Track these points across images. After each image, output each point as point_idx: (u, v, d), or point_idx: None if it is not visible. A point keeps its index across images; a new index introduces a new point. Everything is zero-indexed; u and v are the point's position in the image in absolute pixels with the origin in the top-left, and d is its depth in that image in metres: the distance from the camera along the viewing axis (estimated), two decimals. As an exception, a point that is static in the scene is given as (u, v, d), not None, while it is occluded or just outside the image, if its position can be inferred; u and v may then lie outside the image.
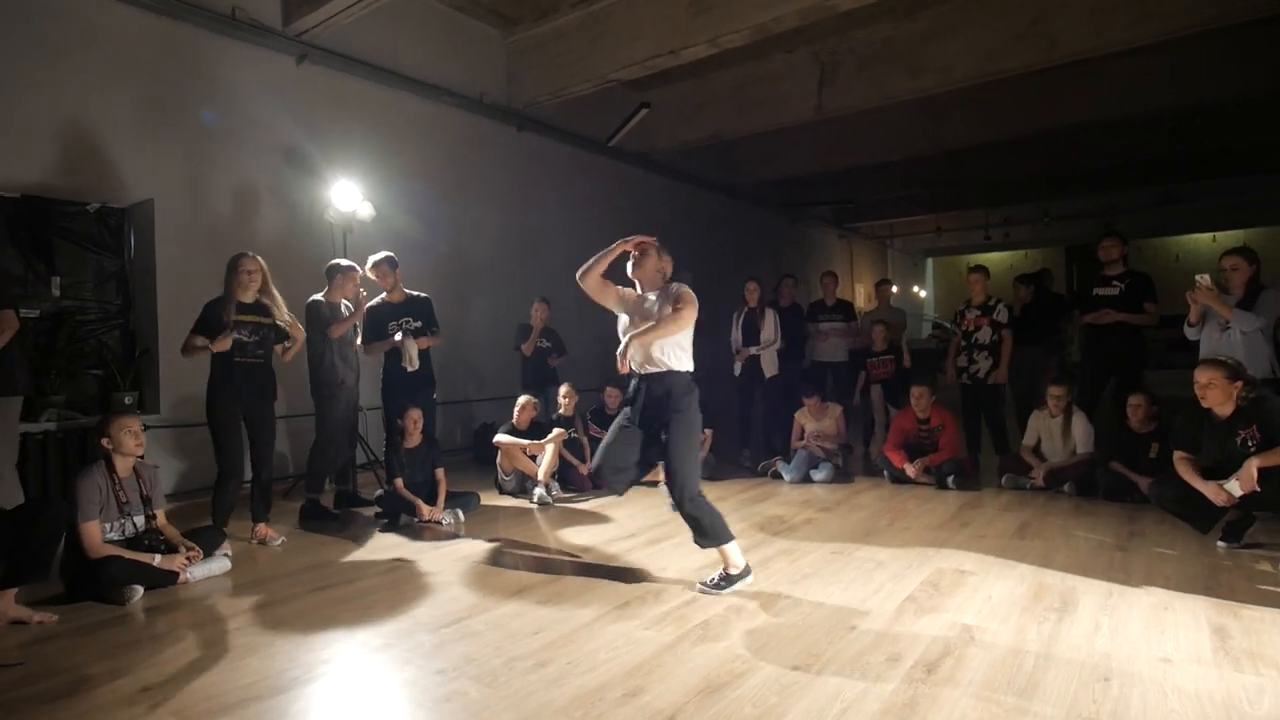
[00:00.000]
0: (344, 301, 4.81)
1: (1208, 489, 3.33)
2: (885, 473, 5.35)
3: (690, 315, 3.02)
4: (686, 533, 4.01)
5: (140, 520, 3.38)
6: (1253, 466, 3.19)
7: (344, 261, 4.86)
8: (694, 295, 3.11)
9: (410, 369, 4.76)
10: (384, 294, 5.05)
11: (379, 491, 4.60)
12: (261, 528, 4.05)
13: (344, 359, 4.71)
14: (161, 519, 3.49)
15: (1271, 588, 2.92)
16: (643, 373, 3.13)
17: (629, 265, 3.28)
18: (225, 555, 3.57)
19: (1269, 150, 10.77)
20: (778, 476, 5.54)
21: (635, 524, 4.30)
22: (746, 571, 3.07)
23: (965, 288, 6.04)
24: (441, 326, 5.26)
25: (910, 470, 5.14)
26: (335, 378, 4.64)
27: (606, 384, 6.07)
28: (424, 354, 4.89)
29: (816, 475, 5.40)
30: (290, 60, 5.79)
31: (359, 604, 3.01)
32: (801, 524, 4.16)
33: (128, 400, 4.84)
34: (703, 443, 5.68)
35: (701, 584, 3.06)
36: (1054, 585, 3.01)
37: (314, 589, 3.23)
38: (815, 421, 5.69)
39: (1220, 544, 3.52)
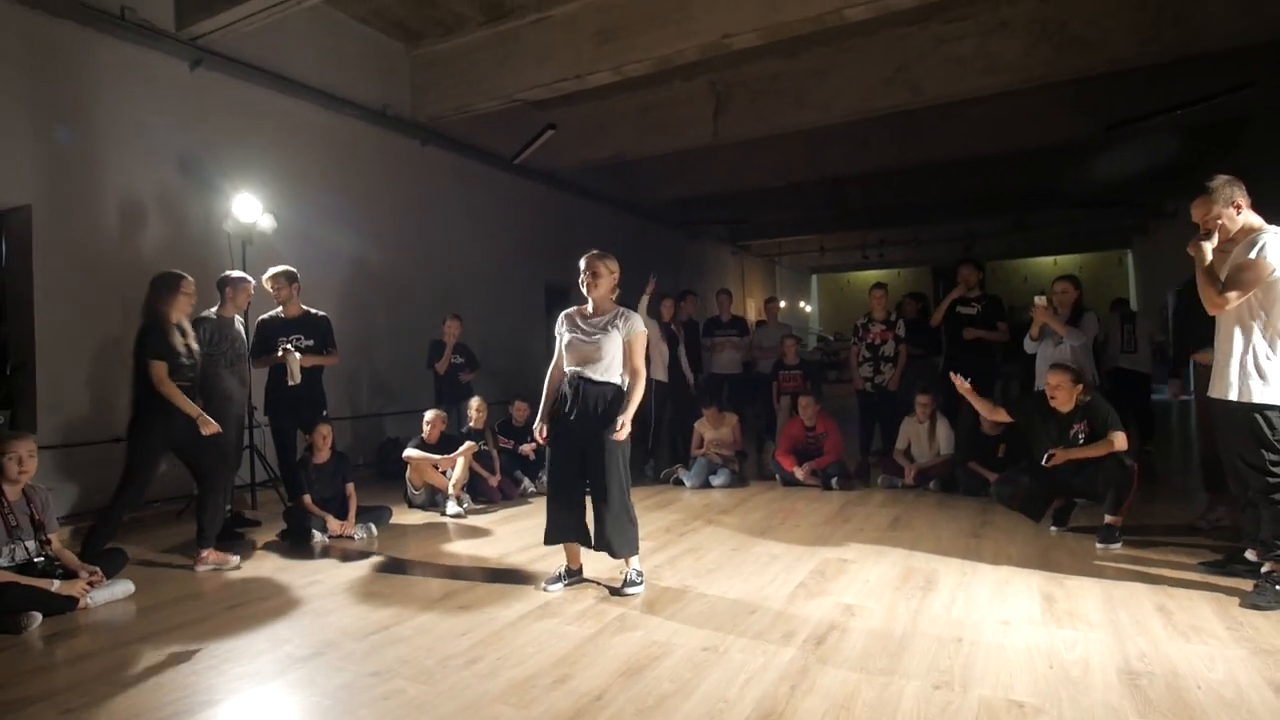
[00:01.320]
0: (237, 316, 4.73)
1: (982, 406, 4.33)
2: (777, 476, 5.80)
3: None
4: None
5: (32, 545, 3.26)
6: (1058, 457, 3.90)
7: (235, 273, 4.76)
8: (644, 335, 3.31)
9: (291, 383, 4.67)
10: (279, 308, 4.95)
11: (286, 507, 4.55)
12: (211, 553, 3.88)
13: (237, 377, 4.62)
14: (56, 543, 3.36)
15: (1088, 563, 3.50)
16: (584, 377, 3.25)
17: (584, 284, 3.39)
18: (127, 581, 3.47)
19: (1099, 186, 12.34)
20: (679, 483, 5.88)
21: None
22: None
23: (853, 303, 6.68)
24: (345, 341, 5.23)
25: (799, 473, 5.61)
26: (222, 391, 4.49)
27: (515, 397, 6.23)
28: (314, 372, 4.83)
29: (715, 481, 5.78)
30: (184, 65, 5.61)
31: (279, 619, 3.05)
32: (703, 525, 4.49)
33: (-1, 419, 4.54)
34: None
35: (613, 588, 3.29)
36: (920, 568, 3.48)
37: (229, 607, 3.22)
38: (713, 430, 6.08)
39: (1052, 528, 4.14)
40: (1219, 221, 2.91)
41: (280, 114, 6.28)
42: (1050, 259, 18.66)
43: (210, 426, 3.80)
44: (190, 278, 4.04)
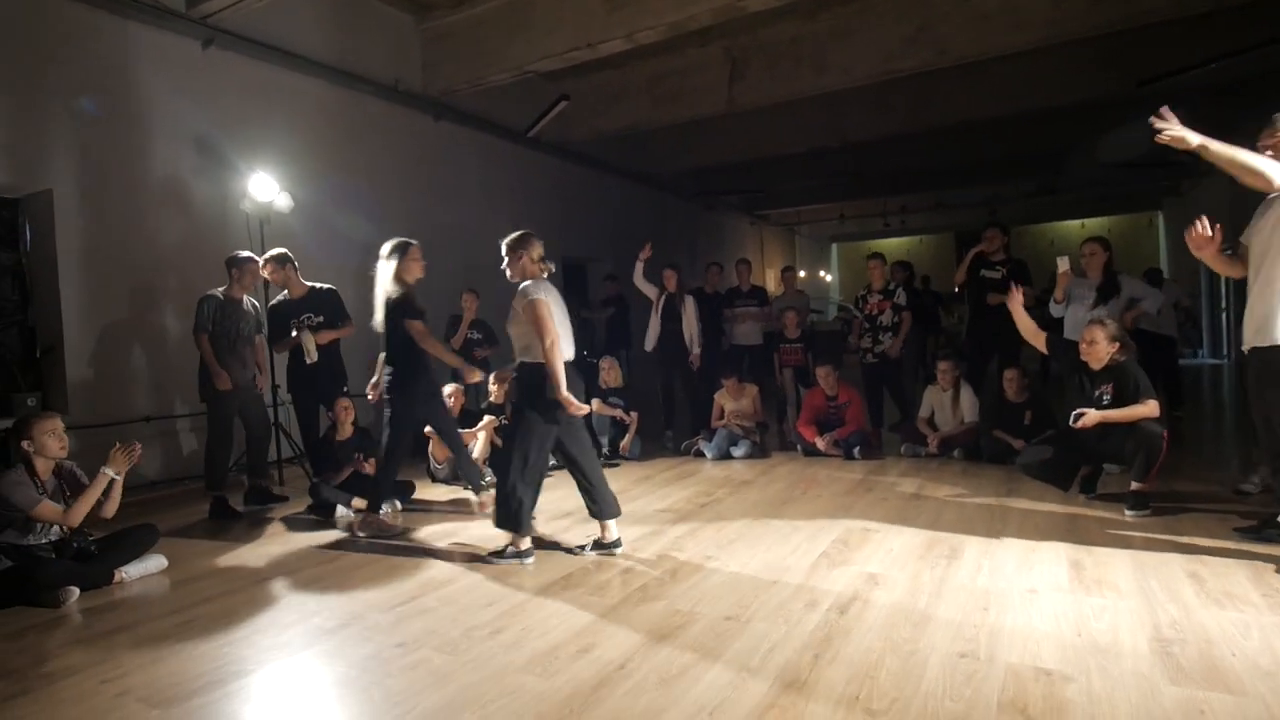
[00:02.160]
0: (247, 296, 4.75)
1: (1025, 323, 4.11)
2: (799, 447, 5.77)
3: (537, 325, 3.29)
4: (622, 507, 4.29)
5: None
6: (1091, 418, 3.76)
7: (242, 253, 4.76)
8: (534, 303, 3.32)
9: (309, 361, 4.72)
10: (284, 291, 4.93)
11: (311, 484, 4.61)
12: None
13: (237, 358, 4.62)
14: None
15: (1117, 531, 3.45)
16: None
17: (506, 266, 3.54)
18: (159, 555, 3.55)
19: (1129, 146, 11.97)
20: (700, 455, 5.87)
21: (570, 504, 4.50)
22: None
23: (866, 273, 6.54)
24: (364, 318, 5.22)
25: (820, 444, 5.58)
26: (239, 376, 4.59)
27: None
28: (330, 347, 4.87)
29: (736, 452, 5.76)
30: (196, 44, 5.59)
31: (307, 592, 3.10)
32: (725, 496, 4.49)
33: (30, 402, 4.63)
34: (629, 426, 5.98)
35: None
36: (944, 538, 3.44)
37: (258, 581, 3.29)
38: (734, 401, 6.05)
39: (1080, 495, 4.07)
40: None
41: (293, 91, 6.26)
42: (1078, 222, 18.19)
43: (474, 374, 4.62)
44: (417, 242, 4.30)
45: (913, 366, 6.70)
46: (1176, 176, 14.37)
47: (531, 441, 3.32)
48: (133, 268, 5.20)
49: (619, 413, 6.01)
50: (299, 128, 6.30)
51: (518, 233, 3.53)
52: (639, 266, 6.31)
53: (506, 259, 3.50)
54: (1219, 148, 2.83)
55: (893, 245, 19.60)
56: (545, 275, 3.47)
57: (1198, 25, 7.08)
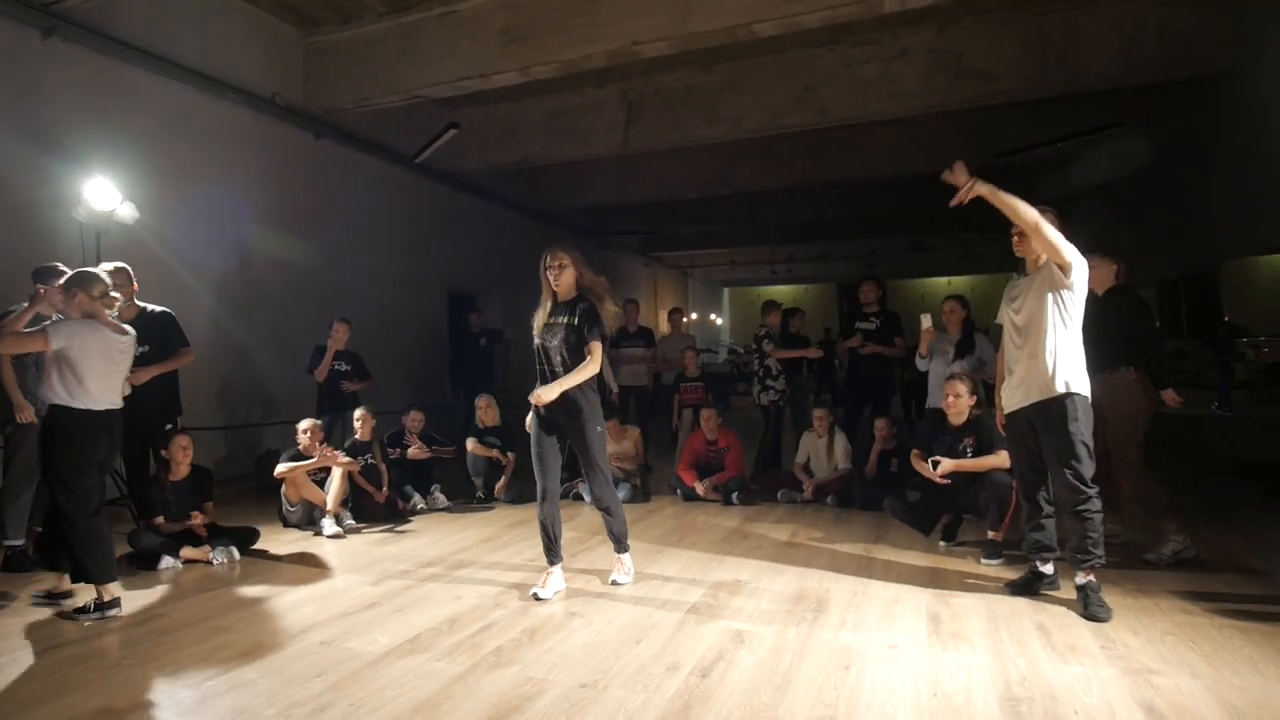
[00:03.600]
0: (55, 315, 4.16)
1: (921, 467, 4.11)
2: (678, 491, 5.70)
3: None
4: (487, 558, 4.04)
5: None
6: (945, 464, 3.95)
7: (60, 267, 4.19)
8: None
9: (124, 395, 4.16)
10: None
11: (131, 530, 4.06)
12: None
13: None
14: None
15: (974, 580, 3.54)
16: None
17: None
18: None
19: (987, 213, 13.03)
20: (579, 498, 5.69)
21: (433, 552, 4.20)
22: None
23: (759, 318, 6.66)
24: (220, 344, 4.81)
25: (700, 489, 5.53)
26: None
27: (411, 407, 5.89)
28: (165, 377, 4.33)
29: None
30: (35, 33, 5.02)
31: (103, 662, 2.66)
32: (599, 544, 4.31)
33: None
34: (506, 467, 5.73)
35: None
36: (813, 588, 3.42)
37: (48, 648, 2.80)
38: (615, 444, 5.92)
39: (941, 543, 4.20)
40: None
41: (149, 94, 5.73)
42: (945, 279, 19.64)
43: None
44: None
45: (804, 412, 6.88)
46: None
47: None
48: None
49: (495, 453, 5.75)
50: (154, 134, 5.75)
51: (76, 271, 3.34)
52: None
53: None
54: (1009, 198, 3.04)
55: (780, 293, 20.42)
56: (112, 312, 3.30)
57: (1047, 108, 7.83)
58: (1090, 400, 3.09)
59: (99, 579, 3.11)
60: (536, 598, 3.27)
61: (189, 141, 6.05)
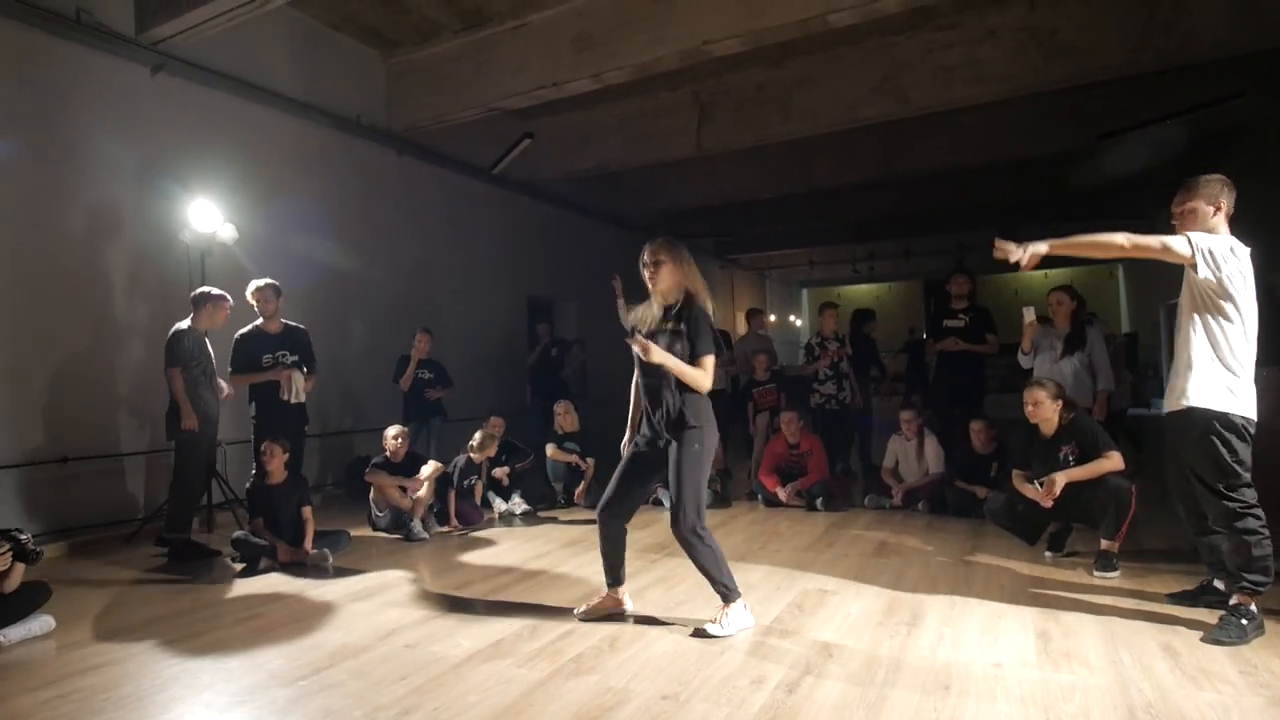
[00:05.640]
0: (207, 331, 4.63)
1: (1029, 491, 3.73)
2: (759, 497, 5.56)
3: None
4: (566, 564, 4.03)
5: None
6: (1057, 480, 3.59)
7: (215, 290, 4.64)
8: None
9: (295, 401, 4.73)
10: (259, 321, 4.88)
11: (236, 534, 4.28)
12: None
13: (214, 392, 4.55)
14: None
15: (1084, 595, 3.27)
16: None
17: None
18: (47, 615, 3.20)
19: (1089, 197, 12.22)
20: (658, 503, 5.63)
21: (516, 556, 4.24)
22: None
23: (844, 317, 6.51)
24: (315, 356, 5.08)
25: (782, 494, 5.37)
26: (210, 412, 4.49)
27: (492, 413, 5.98)
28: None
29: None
30: (144, 70, 5.40)
31: (204, 658, 2.79)
32: (678, 551, 4.21)
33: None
34: (585, 472, 5.74)
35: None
36: (905, 600, 3.23)
37: (154, 646, 2.96)
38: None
39: (1047, 553, 3.91)
40: (1191, 209, 2.78)
41: (246, 121, 6.07)
42: (1042, 273, 18.53)
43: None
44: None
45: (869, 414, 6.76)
46: (1135, 230, 14.69)
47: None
48: (68, 298, 4.91)
49: (575, 458, 5.77)
50: (251, 158, 6.09)
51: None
52: (621, 304, 6.11)
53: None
54: (1076, 240, 2.74)
55: (862, 292, 19.79)
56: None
57: (1154, 81, 7.24)
58: (1240, 415, 2.68)
59: None
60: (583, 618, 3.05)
61: (281, 164, 6.37)
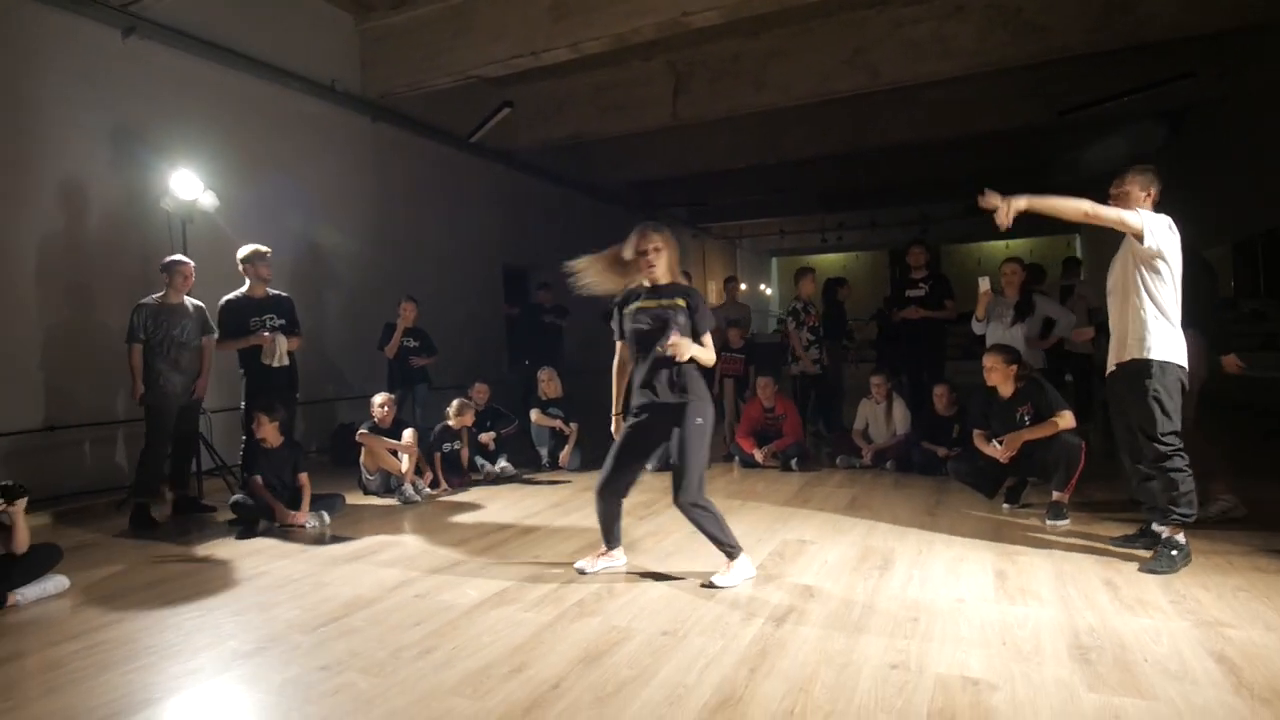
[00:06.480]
0: (188, 299, 4.70)
1: (989, 449, 4.10)
2: (737, 458, 5.82)
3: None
4: (557, 521, 4.23)
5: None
6: (1017, 439, 3.96)
7: (171, 257, 4.71)
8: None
9: (278, 365, 4.77)
10: (244, 288, 4.92)
11: (235, 497, 4.38)
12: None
13: (174, 365, 4.55)
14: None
15: (1039, 539, 3.58)
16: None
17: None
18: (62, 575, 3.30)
19: (1046, 171, 12.63)
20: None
21: (508, 515, 4.43)
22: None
23: (796, 287, 6.73)
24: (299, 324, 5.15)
25: (758, 455, 5.64)
26: (168, 385, 4.54)
27: (476, 380, 6.10)
28: (289, 354, 4.90)
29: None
30: (115, 33, 5.30)
31: (223, 613, 2.93)
32: (663, 508, 4.46)
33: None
34: (569, 437, 5.92)
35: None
36: (877, 547, 3.51)
37: (170, 601, 3.09)
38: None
39: (1005, 505, 4.23)
40: (1126, 192, 3.14)
41: (221, 86, 6.00)
42: (1002, 243, 19.06)
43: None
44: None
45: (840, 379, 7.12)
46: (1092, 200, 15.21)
47: None
48: (46, 269, 4.88)
49: (558, 423, 5.95)
50: (227, 124, 6.03)
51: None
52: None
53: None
54: (1050, 200, 3.01)
55: (830, 261, 20.14)
56: None
57: (1112, 60, 7.54)
58: (1180, 366, 3.04)
59: None
60: (582, 572, 3.21)
61: (259, 130, 6.32)
